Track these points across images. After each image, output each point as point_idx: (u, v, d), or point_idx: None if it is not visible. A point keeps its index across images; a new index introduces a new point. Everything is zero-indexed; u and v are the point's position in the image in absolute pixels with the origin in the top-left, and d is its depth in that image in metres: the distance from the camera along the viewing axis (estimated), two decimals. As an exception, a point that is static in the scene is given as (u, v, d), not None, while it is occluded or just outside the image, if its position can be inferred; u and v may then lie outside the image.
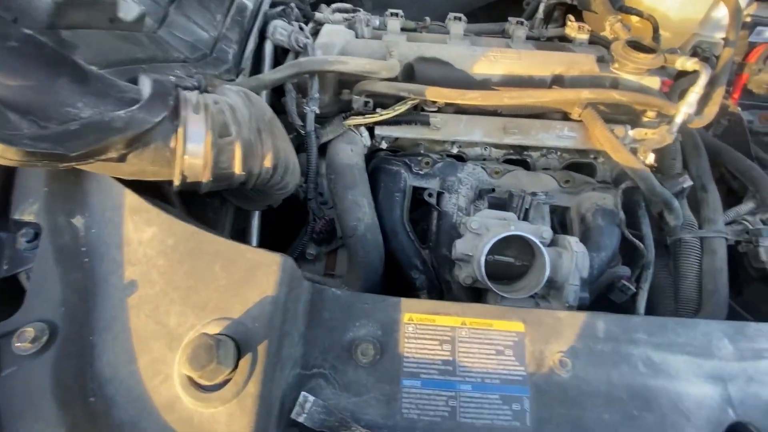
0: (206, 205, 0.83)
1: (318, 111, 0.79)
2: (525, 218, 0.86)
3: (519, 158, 0.96)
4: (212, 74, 0.77)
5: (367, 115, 0.81)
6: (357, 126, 0.83)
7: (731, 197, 1.06)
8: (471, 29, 1.16)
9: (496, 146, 0.92)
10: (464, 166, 0.93)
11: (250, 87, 0.76)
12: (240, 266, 0.48)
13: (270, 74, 0.77)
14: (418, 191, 0.93)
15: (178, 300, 0.47)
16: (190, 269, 0.48)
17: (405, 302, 0.52)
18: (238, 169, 0.59)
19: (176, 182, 0.56)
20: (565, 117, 0.88)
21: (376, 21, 0.97)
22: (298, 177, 0.72)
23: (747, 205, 0.95)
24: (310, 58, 0.79)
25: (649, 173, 0.82)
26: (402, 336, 0.50)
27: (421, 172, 0.93)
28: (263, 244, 1.03)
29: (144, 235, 0.51)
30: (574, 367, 0.50)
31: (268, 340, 0.44)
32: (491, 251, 0.77)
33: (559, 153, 0.93)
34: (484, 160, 0.97)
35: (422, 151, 0.94)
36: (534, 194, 0.87)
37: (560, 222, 0.97)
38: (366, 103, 0.85)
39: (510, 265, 0.76)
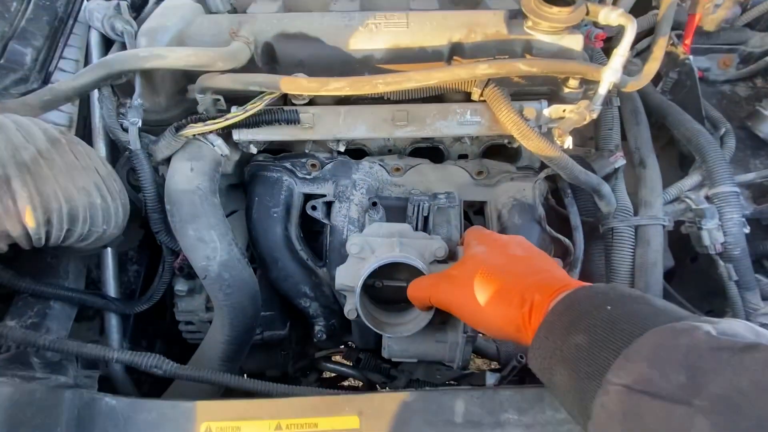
0: (43, 250, 0.67)
1: (140, 123, 0.61)
2: (425, 227, 0.72)
3: (430, 146, 0.81)
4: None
5: (208, 121, 0.63)
6: (204, 134, 0.66)
7: (684, 162, 0.93)
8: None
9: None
10: (360, 164, 0.78)
11: (42, 102, 0.58)
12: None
13: (70, 81, 0.59)
14: (312, 198, 0.79)
15: None
16: None
17: (201, 407, 0.39)
18: (-19, 236, 0.44)
19: None
20: (468, 97, 0.71)
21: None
22: (115, 220, 0.56)
23: (692, 179, 0.82)
24: (118, 55, 0.60)
25: (567, 160, 0.67)
26: (197, 454, 0.38)
27: (308, 176, 0.77)
28: (149, 269, 0.89)
29: None
30: (424, 467, 0.39)
31: None
32: (378, 275, 0.65)
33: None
34: (390, 151, 0.82)
35: (308, 151, 0.78)
36: (434, 197, 0.73)
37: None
38: (216, 101, 0.67)
39: (402, 289, 0.63)
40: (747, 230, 0.78)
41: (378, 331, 0.59)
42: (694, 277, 0.94)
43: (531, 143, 0.65)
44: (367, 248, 0.63)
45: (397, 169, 0.77)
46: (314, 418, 0.39)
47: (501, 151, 0.82)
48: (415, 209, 0.70)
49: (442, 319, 0.63)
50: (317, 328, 0.76)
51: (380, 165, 0.78)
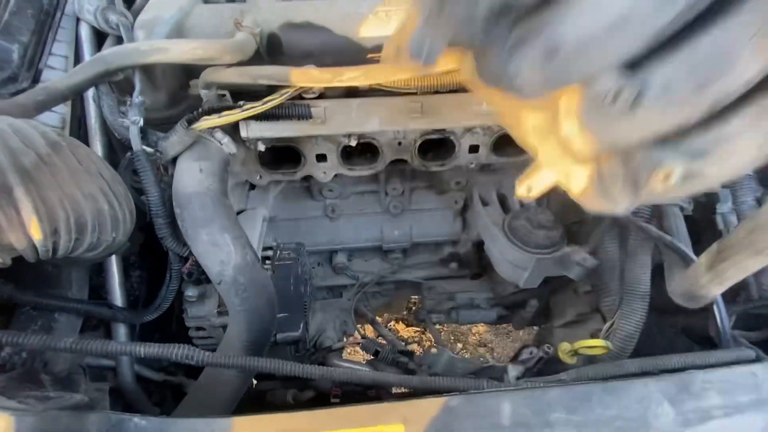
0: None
1: (141, 122, 0.57)
2: None
3: (441, 137, 0.78)
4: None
5: (224, 113, 0.59)
6: (212, 130, 0.63)
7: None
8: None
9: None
10: None
11: (36, 103, 0.54)
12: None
13: (65, 80, 0.55)
14: None
15: None
16: None
17: (238, 423, 0.37)
18: (-16, 251, 0.40)
19: None
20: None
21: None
22: (123, 227, 0.53)
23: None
24: (117, 50, 0.56)
25: None
26: (237, 472, 0.36)
27: None
28: (152, 274, 0.86)
29: None
30: (474, 474, 0.37)
31: None
32: None
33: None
34: (399, 144, 0.78)
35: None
36: None
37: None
38: (221, 96, 0.64)
39: None
40: (759, 212, 0.78)
41: None
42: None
43: None
44: None
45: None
46: (358, 429, 0.37)
47: (513, 141, 0.80)
48: None
49: None
50: None
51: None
